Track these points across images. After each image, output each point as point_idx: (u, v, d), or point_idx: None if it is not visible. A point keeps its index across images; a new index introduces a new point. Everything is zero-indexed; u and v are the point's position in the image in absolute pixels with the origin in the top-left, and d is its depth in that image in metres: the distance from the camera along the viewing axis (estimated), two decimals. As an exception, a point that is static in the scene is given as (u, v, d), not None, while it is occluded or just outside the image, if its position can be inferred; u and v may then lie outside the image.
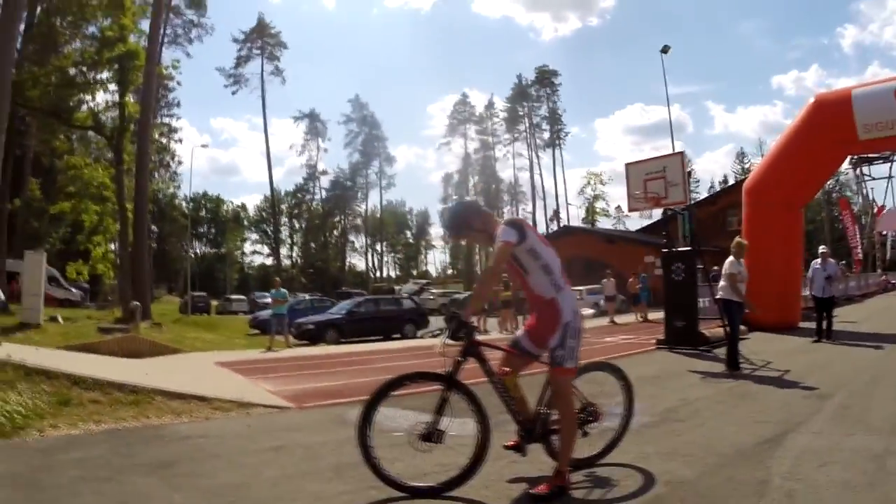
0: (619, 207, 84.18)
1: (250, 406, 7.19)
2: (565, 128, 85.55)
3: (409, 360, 12.40)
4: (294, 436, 5.78)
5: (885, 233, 47.07)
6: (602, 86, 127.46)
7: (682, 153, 11.96)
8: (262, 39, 74.53)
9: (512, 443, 4.31)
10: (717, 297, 9.84)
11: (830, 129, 14.47)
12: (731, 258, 9.54)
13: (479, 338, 4.16)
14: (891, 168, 49.02)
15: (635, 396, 4.88)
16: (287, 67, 78.26)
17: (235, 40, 74.42)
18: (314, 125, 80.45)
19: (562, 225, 68.20)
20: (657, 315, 18.73)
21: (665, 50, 29.37)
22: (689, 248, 12.26)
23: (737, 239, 9.77)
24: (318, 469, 4.64)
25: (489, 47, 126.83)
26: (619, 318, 21.02)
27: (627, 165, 13.00)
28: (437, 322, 23.94)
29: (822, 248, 13.40)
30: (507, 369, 4.26)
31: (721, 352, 11.28)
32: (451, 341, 3.97)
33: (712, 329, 12.61)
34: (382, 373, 10.75)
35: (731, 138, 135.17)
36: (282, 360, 13.24)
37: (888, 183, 49.49)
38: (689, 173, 11.89)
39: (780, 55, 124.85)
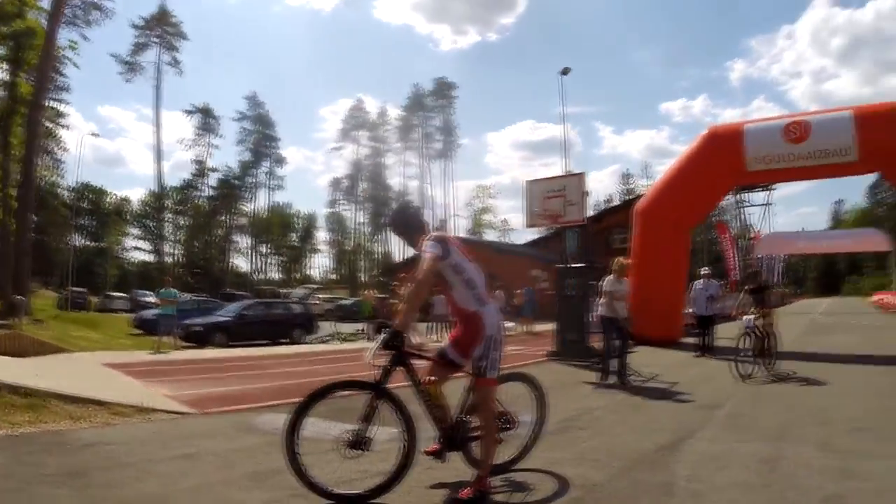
0: (505, 220, 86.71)
1: (151, 411, 6.95)
2: (457, 139, 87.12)
3: (301, 367, 12.46)
4: (204, 443, 5.64)
5: (760, 256, 50.97)
6: (496, 100, 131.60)
7: (581, 174, 12.62)
8: (162, 28, 71.23)
9: (432, 449, 4.43)
10: (597, 312, 10.44)
11: (722, 159, 15.67)
12: (610, 276, 10.04)
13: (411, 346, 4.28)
14: (768, 196, 53.44)
15: (548, 403, 5.17)
16: (184, 59, 74.91)
17: (135, 26, 70.89)
18: (206, 121, 77.68)
19: (453, 235, 68.85)
20: (543, 327, 19.53)
21: (565, 72, 30.25)
22: (582, 265, 12.96)
23: (619, 259, 10.29)
24: (235, 477, 4.59)
25: (387, 54, 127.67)
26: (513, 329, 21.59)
27: (528, 182, 13.59)
28: (326, 328, 23.85)
29: (704, 270, 14.44)
30: (432, 378, 4.40)
31: (611, 364, 12.07)
32: (381, 350, 4.03)
33: (597, 342, 13.34)
34: (278, 378, 10.80)
35: (617, 159, 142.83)
36: (173, 362, 12.85)
37: (765, 210, 53.84)
38: (587, 193, 12.49)
39: (671, 83, 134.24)
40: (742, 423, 6.74)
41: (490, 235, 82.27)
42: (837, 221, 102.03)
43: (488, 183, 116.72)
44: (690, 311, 14.28)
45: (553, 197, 12.75)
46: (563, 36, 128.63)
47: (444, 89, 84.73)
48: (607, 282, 9.94)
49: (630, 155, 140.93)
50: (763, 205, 53.71)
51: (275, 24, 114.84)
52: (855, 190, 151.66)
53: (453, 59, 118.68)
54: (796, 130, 14.82)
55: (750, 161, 15.27)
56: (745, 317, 10.47)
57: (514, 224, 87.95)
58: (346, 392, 4.18)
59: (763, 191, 51.14)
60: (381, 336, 4.08)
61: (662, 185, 16.88)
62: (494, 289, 22.44)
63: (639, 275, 15.87)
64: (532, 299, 22.25)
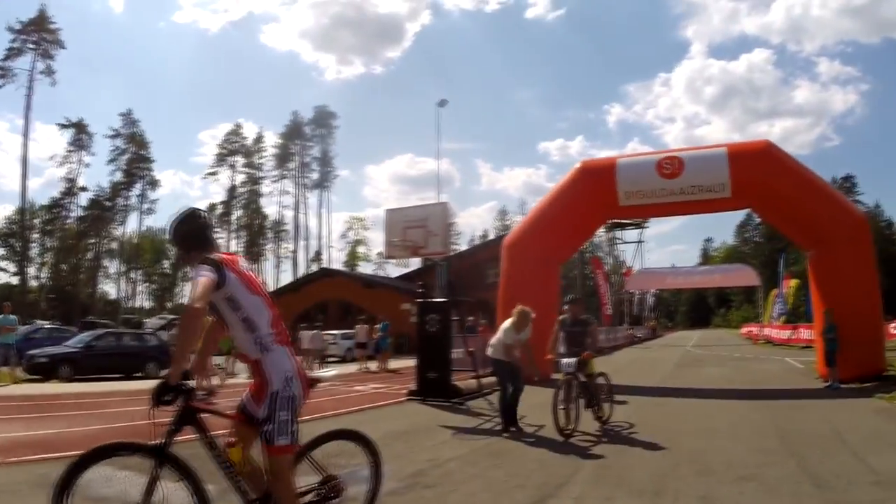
0: (380, 253, 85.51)
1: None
2: (335, 170, 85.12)
3: (142, 405, 10.53)
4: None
5: (632, 291, 52.49)
6: (377, 133, 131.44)
7: (445, 204, 11.75)
8: (38, 34, 65.34)
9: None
10: (488, 354, 8.98)
11: (594, 194, 15.24)
12: (509, 324, 8.55)
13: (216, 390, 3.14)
14: (640, 234, 55.63)
15: (382, 464, 4.27)
16: (60, 69, 68.49)
17: (10, 29, 64.25)
18: (79, 136, 71.43)
19: (321, 267, 67.00)
20: (408, 364, 18.45)
21: (442, 103, 30.14)
22: (444, 300, 12.00)
23: (521, 308, 8.56)
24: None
25: (272, 81, 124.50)
26: (373, 366, 20.20)
27: (388, 212, 12.56)
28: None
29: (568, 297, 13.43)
30: (233, 440, 3.50)
31: (474, 405, 11.03)
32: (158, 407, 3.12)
33: (465, 381, 12.41)
34: (110, 420, 9.32)
35: (495, 196, 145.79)
36: (4, 398, 11.79)
37: (637, 247, 55.86)
38: (451, 225, 11.58)
39: (550, 124, 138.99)
40: (613, 474, 5.92)
41: (366, 268, 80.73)
42: (707, 258, 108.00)
43: (364, 215, 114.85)
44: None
45: (414, 227, 11.74)
46: (448, 73, 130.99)
47: (324, 118, 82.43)
48: (504, 331, 8.56)
49: (508, 192, 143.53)
50: (636, 242, 56.08)
51: (160, 40, 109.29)
52: (724, 229, 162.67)
53: (337, 89, 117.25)
54: (670, 166, 14.65)
55: (622, 196, 14.94)
56: (562, 360, 8.31)
57: (385, 257, 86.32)
58: (122, 455, 3.23)
59: (636, 228, 53.47)
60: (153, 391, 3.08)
61: (532, 219, 16.26)
62: (356, 323, 21.18)
63: (505, 311, 15.40)
64: (387, 334, 20.80)
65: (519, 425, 8.52)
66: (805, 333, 28.90)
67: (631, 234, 56.59)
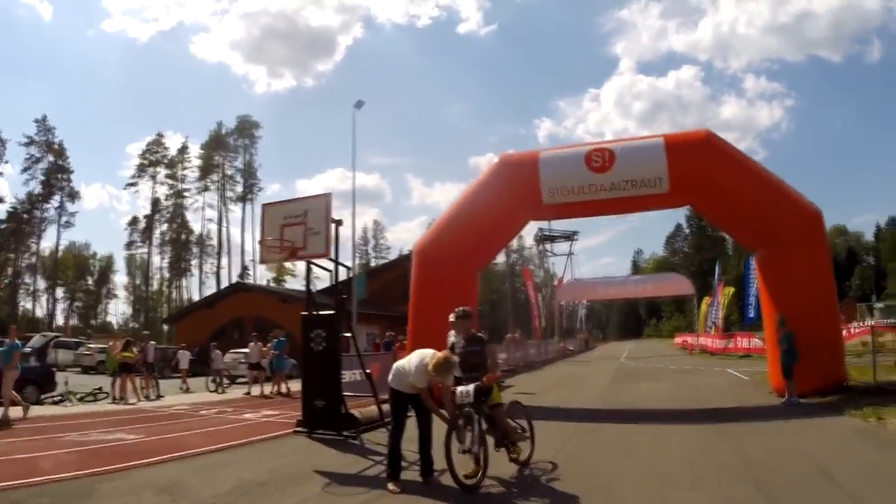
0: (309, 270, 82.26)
1: None
2: (259, 182, 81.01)
3: (11, 439, 9.41)
4: None
5: (563, 303, 51.36)
6: (308, 147, 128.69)
7: (328, 195, 9.49)
8: None
9: None
10: (389, 382, 6.63)
11: (514, 191, 13.41)
12: (429, 366, 6.11)
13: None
14: (570, 246, 54.78)
15: None
16: None
17: None
18: None
19: (236, 281, 63.60)
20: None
21: (358, 105, 28.27)
22: (330, 312, 9.83)
23: (447, 358, 6.17)
24: None
25: (201, 92, 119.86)
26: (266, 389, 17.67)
27: (265, 206, 10.27)
28: (77, 381, 19.18)
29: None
30: None
31: (370, 438, 9.06)
32: None
33: (364, 408, 10.33)
34: None
35: (426, 210, 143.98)
36: None
37: (567, 259, 54.93)
38: (339, 222, 9.35)
39: (481, 138, 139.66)
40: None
41: (293, 284, 77.24)
42: (637, 269, 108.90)
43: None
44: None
45: (292, 224, 9.58)
46: (379, 86, 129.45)
47: (246, 128, 79.16)
48: (417, 371, 6.26)
49: (439, 206, 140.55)
50: (566, 254, 55.32)
51: (88, 49, 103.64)
52: (653, 240, 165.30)
53: (267, 101, 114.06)
54: (600, 158, 12.89)
55: (546, 193, 13.13)
56: (457, 389, 6.36)
57: (320, 273, 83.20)
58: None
59: (565, 241, 52.86)
60: None
61: (445, 222, 14.26)
62: (249, 340, 18.65)
63: (415, 323, 13.51)
64: (282, 352, 18.10)
65: (433, 475, 6.43)
66: (743, 342, 28.08)
67: (561, 246, 56.00)
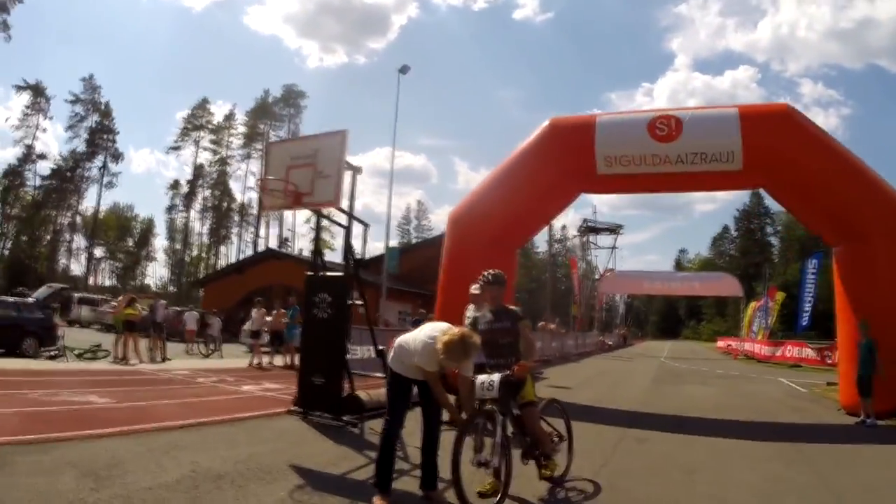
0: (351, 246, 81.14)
1: None
2: None
3: None
4: None
5: (606, 294, 49.65)
6: (356, 124, 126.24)
7: (343, 132, 7.91)
8: None
9: None
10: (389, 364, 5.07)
11: (565, 158, 11.81)
12: (439, 345, 4.53)
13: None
14: (615, 240, 52.74)
15: None
16: (18, 25, 62.27)
17: None
18: (38, 100, 65.66)
19: (268, 247, 62.46)
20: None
21: (404, 70, 26.82)
22: (340, 273, 8.39)
23: (464, 335, 4.61)
24: None
25: (253, 65, 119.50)
26: (274, 360, 16.35)
27: (269, 145, 8.86)
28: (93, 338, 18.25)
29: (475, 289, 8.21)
30: None
31: (375, 427, 7.63)
32: None
33: (371, 389, 8.91)
34: None
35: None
36: None
37: (611, 253, 52.95)
38: (356, 169, 7.83)
39: (529, 127, 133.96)
40: None
41: (331, 257, 76.28)
42: (681, 268, 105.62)
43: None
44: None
45: (299, 166, 8.12)
46: (431, 68, 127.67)
47: (292, 97, 77.46)
48: (428, 350, 4.68)
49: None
50: (610, 248, 53.34)
51: (142, 15, 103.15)
52: (698, 241, 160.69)
53: (319, 76, 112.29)
54: (665, 127, 11.23)
55: (602, 162, 11.51)
56: (477, 379, 4.84)
57: (362, 249, 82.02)
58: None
59: (609, 234, 51.01)
60: None
61: (485, 189, 12.68)
62: (254, 306, 17.22)
63: (443, 298, 12.14)
64: (296, 321, 16.33)
65: (438, 494, 4.89)
66: (793, 351, 26.06)
67: (605, 240, 53.97)
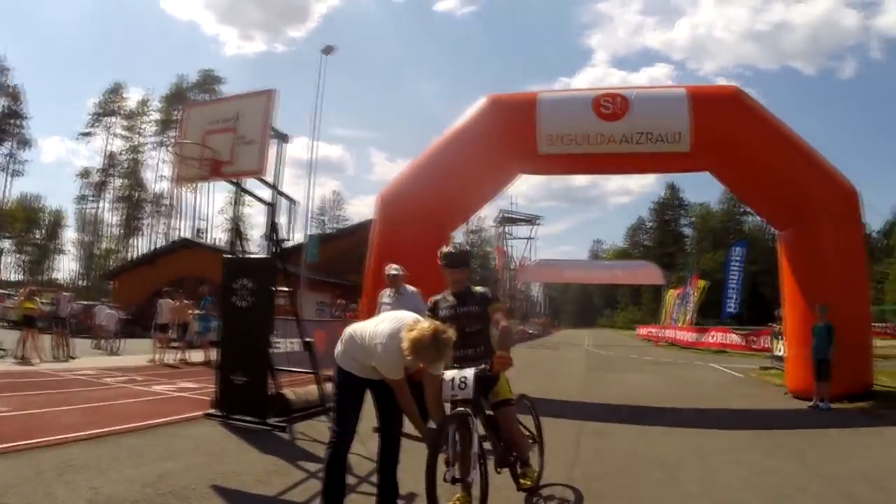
0: (263, 235, 78.70)
1: None
2: None
3: None
4: None
5: (524, 284, 49.67)
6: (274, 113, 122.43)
7: (270, 91, 6.83)
8: None
9: None
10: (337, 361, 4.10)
11: (505, 137, 11.13)
12: (405, 342, 3.66)
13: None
14: (532, 231, 52.93)
15: None
16: None
17: None
18: None
19: (181, 237, 59.71)
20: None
21: (327, 51, 25.64)
22: (263, 256, 7.32)
23: (440, 332, 3.70)
24: None
25: (169, 50, 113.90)
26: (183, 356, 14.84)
27: (186, 107, 7.64)
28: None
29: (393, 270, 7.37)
30: None
31: (305, 430, 6.69)
32: None
33: (298, 386, 7.93)
34: None
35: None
36: None
37: (527, 244, 53.05)
38: (284, 137, 6.73)
39: (448, 119, 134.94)
40: None
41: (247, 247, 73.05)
42: (596, 259, 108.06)
43: (249, 199, 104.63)
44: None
45: (218, 131, 6.96)
46: (351, 57, 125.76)
47: (209, 83, 73.91)
48: (388, 348, 3.79)
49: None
50: (526, 238, 53.54)
51: None
52: (614, 232, 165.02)
53: (236, 64, 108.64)
54: (610, 104, 10.77)
55: (544, 140, 10.88)
56: (446, 375, 4.01)
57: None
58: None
59: (526, 224, 51.28)
60: None
61: (418, 168, 11.81)
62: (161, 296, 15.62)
63: (373, 285, 10.93)
64: (208, 312, 15.43)
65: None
66: (717, 337, 26.42)
67: (521, 230, 54.17)
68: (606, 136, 10.77)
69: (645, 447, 6.63)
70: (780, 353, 14.97)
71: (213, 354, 14.01)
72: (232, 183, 7.43)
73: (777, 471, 5.64)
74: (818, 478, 5.42)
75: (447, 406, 3.96)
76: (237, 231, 7.70)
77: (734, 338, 24.76)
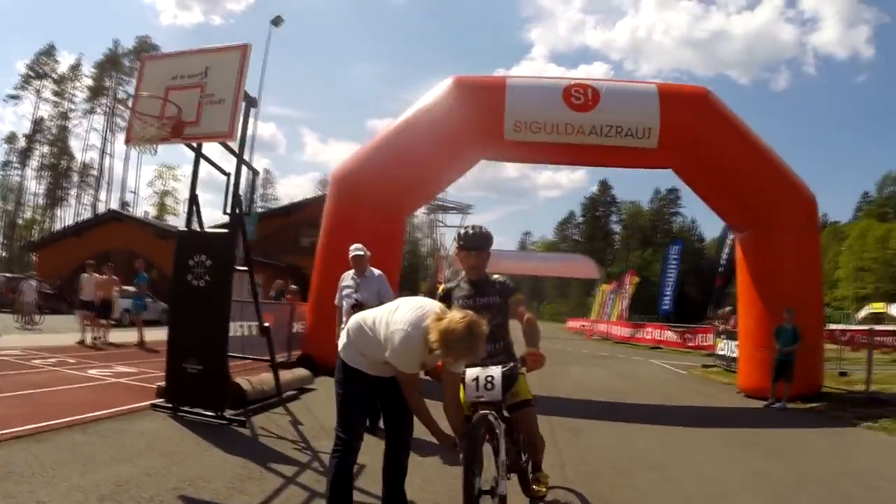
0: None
1: None
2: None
3: None
4: None
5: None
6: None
7: (245, 46, 6.12)
8: None
9: None
10: (341, 355, 3.58)
11: (471, 120, 10.77)
12: (429, 330, 3.23)
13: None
14: (462, 220, 52.76)
15: None
16: None
17: None
18: None
19: (109, 208, 56.88)
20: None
21: (277, 22, 24.63)
22: (224, 230, 6.61)
23: (471, 321, 3.18)
24: None
25: (104, 17, 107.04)
26: (122, 336, 13.80)
27: (144, 58, 6.75)
28: None
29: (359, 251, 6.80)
30: None
31: (265, 424, 6.12)
32: None
33: (252, 376, 7.34)
34: None
35: (317, 167, 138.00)
36: None
37: (457, 233, 52.72)
38: (254, 101, 6.09)
39: (382, 103, 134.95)
40: None
41: (175, 222, 70.39)
42: (525, 251, 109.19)
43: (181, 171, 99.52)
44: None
45: (183, 88, 6.19)
46: (288, 34, 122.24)
47: (145, 50, 69.68)
48: (409, 340, 3.26)
49: (330, 164, 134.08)
50: (457, 227, 53.47)
51: None
52: (543, 225, 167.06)
53: (171, 34, 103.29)
54: (581, 95, 10.61)
55: (511, 126, 10.61)
56: (468, 374, 3.55)
57: (207, 218, 75.62)
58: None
59: (457, 213, 51.27)
60: None
61: (376, 148, 11.30)
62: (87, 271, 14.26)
63: (323, 267, 10.82)
64: (144, 289, 14.55)
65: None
66: (653, 333, 26.83)
67: (452, 219, 53.92)
68: (576, 126, 10.61)
69: (625, 445, 6.51)
70: (725, 353, 15.27)
71: (147, 335, 13.17)
72: (191, 147, 6.65)
73: (766, 471, 5.68)
74: (808, 478, 5.47)
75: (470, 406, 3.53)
76: (194, 200, 6.86)
77: (670, 334, 25.14)
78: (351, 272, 6.62)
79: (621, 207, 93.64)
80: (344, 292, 6.54)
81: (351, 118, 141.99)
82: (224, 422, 6.03)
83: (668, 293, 29.37)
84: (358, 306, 6.01)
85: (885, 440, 7.43)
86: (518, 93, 10.80)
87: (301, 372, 8.87)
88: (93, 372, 8.87)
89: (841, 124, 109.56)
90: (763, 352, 10.29)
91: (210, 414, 6.09)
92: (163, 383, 6.78)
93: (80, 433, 5.26)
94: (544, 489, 4.04)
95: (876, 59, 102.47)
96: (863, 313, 31.24)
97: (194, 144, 6.59)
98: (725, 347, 15.51)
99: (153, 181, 74.23)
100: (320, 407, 7.31)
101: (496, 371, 3.48)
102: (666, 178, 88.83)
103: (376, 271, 6.66)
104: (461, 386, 3.53)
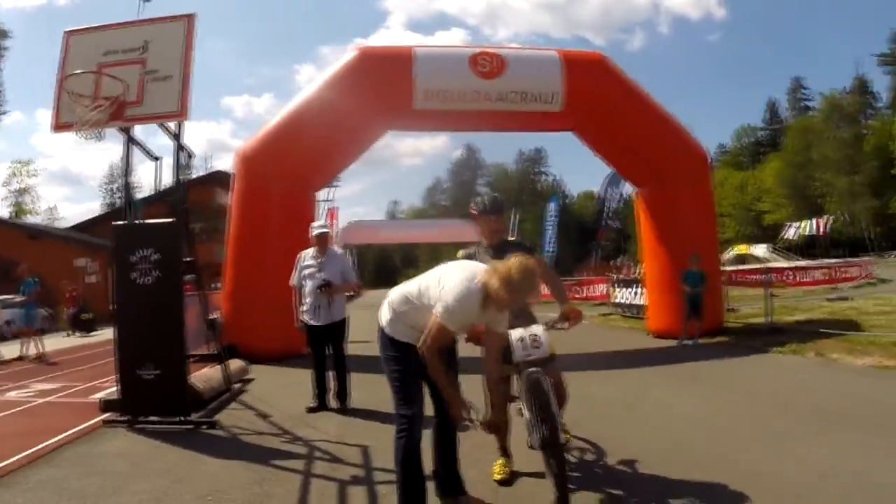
0: (53, 208, 69.16)
1: None
2: (3, 106, 64.92)
3: None
4: None
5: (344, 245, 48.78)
6: (50, 74, 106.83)
7: (191, 16, 5.57)
8: None
9: None
10: (386, 331, 3.60)
11: (378, 92, 10.70)
12: (484, 282, 3.26)
13: None
14: (329, 193, 51.78)
15: None
16: None
17: None
18: None
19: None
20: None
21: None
22: (169, 220, 6.10)
23: (523, 262, 3.31)
24: None
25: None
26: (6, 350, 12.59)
27: (68, 34, 5.90)
28: None
29: (321, 227, 6.89)
30: None
31: (232, 421, 5.95)
32: None
33: (196, 373, 7.00)
34: None
35: (172, 151, 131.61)
36: None
37: (323, 206, 51.88)
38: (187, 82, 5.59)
39: (238, 79, 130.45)
40: None
41: (36, 222, 63.82)
42: (393, 219, 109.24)
43: (36, 166, 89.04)
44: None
45: (120, 64, 5.71)
46: (133, 9, 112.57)
47: None
48: (462, 298, 3.24)
49: (191, 147, 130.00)
50: (325, 200, 52.70)
51: None
52: (409, 193, 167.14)
53: (13, 17, 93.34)
54: (487, 63, 10.85)
55: (421, 95, 10.65)
56: (514, 336, 3.79)
57: (66, 214, 69.98)
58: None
59: (328, 188, 50.59)
60: None
61: (283, 124, 10.93)
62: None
63: (235, 251, 10.75)
64: (32, 297, 13.04)
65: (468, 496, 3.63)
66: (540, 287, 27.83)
67: (320, 193, 52.94)
68: (482, 93, 10.86)
69: (582, 392, 6.60)
70: (622, 300, 16.26)
71: (39, 347, 11.96)
72: (121, 130, 6.04)
73: (720, 396, 6.60)
74: (756, 396, 6.42)
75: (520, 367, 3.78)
76: (128, 189, 6.26)
77: (552, 288, 26.17)
78: (310, 251, 6.42)
79: (487, 170, 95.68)
80: (305, 272, 6.32)
81: (205, 96, 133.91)
82: (190, 426, 5.70)
83: (550, 249, 30.55)
84: (326, 285, 5.91)
85: (799, 360, 8.56)
86: (426, 62, 10.83)
87: (237, 363, 8.50)
88: (12, 395, 7.97)
89: (695, 81, 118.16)
90: (669, 295, 11.14)
91: (174, 420, 5.72)
92: (102, 396, 6.28)
93: (49, 467, 4.65)
94: (568, 436, 4.41)
95: (727, 19, 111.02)
96: (729, 255, 33.93)
97: (128, 128, 6.00)
98: (621, 296, 16.48)
99: (8, 180, 66.45)
100: (273, 395, 7.19)
101: (539, 329, 3.66)
102: (532, 141, 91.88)
103: (338, 249, 6.54)
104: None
